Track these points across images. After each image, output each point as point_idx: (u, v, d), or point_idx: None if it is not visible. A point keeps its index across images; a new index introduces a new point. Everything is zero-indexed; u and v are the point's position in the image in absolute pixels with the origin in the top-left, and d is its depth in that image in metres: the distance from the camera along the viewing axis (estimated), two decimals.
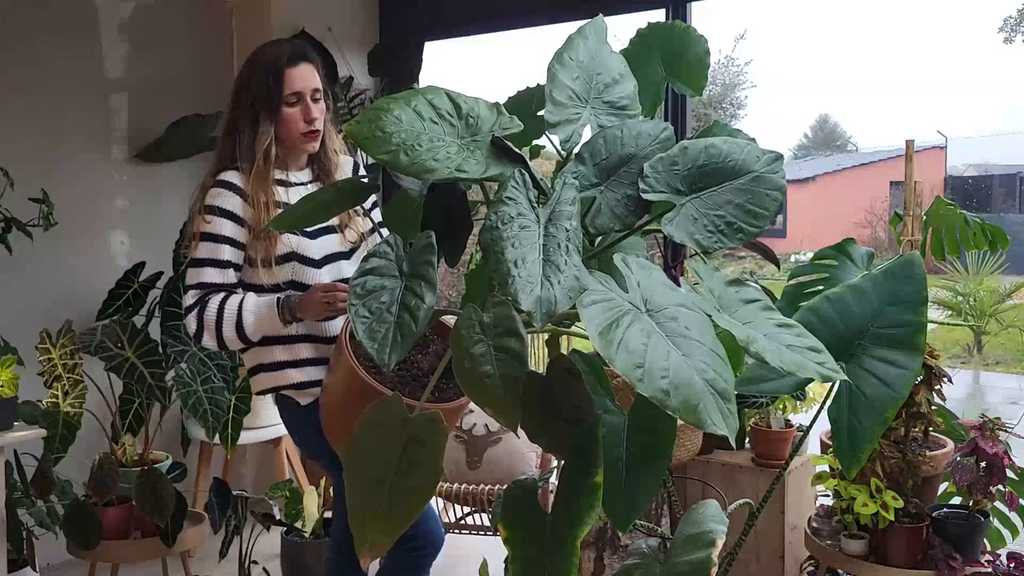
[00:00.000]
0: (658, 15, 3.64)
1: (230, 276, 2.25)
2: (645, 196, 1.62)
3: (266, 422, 3.78)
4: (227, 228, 2.23)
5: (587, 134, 1.74)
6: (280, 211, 2.22)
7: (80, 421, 3.12)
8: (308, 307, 2.19)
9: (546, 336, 1.71)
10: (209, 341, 2.23)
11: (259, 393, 2.36)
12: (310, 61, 2.31)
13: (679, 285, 1.53)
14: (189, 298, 2.24)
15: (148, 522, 3.10)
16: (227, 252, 2.24)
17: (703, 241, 1.60)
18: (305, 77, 2.28)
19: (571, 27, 1.87)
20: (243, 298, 2.22)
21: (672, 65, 2.75)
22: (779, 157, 1.70)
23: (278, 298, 2.21)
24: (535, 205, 1.48)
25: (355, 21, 4.41)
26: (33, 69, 3.71)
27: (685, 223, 1.61)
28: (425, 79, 4.30)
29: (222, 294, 2.23)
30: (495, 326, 1.43)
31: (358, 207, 2.29)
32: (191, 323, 2.24)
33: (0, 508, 2.70)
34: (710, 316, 1.46)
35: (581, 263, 1.41)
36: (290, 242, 2.26)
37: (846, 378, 1.60)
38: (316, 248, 2.29)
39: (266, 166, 2.26)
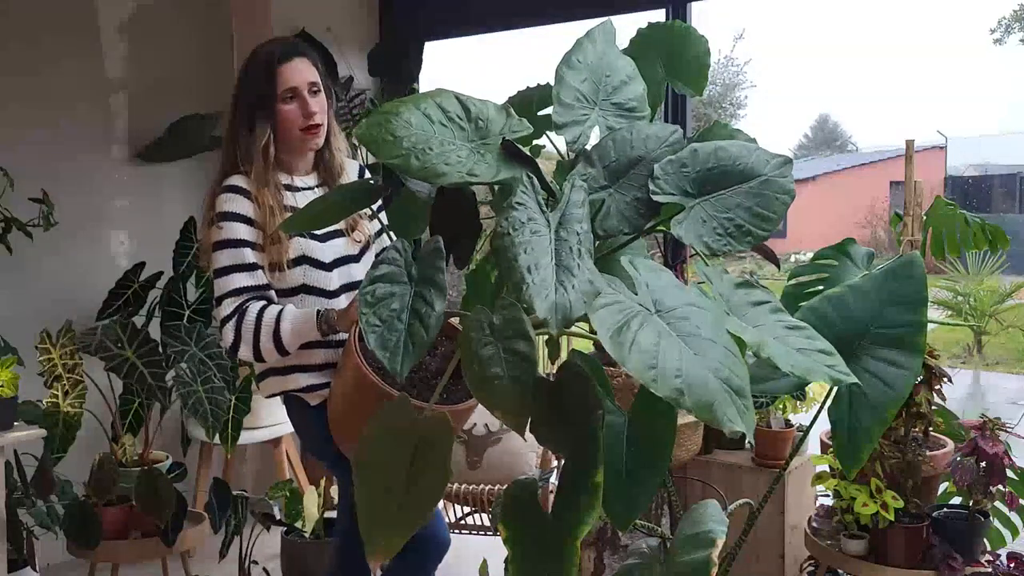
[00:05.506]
0: (658, 15, 3.64)
1: (260, 277, 2.19)
2: (655, 198, 1.62)
3: (266, 422, 3.77)
4: (243, 231, 2.19)
5: (595, 136, 1.74)
6: (288, 215, 2.18)
7: (80, 421, 3.12)
8: (346, 320, 2.12)
9: (545, 336, 1.71)
10: (246, 352, 2.15)
11: (268, 396, 2.35)
12: (304, 55, 2.28)
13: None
14: (225, 308, 2.16)
15: (148, 522, 3.10)
16: (249, 255, 2.19)
17: (712, 243, 1.61)
18: (299, 72, 2.24)
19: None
20: (282, 308, 2.16)
21: (672, 65, 2.75)
22: (788, 161, 1.71)
23: (318, 311, 2.14)
24: (544, 209, 1.47)
25: (355, 21, 4.41)
26: (33, 69, 3.71)
27: (694, 225, 1.62)
28: (425, 79, 4.31)
29: (261, 303, 2.16)
30: (504, 328, 1.43)
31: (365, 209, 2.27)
32: (228, 334, 2.15)
33: (0, 508, 2.69)
34: None
35: (594, 267, 1.41)
36: (300, 245, 2.23)
37: (856, 381, 1.60)
38: (326, 251, 2.26)
39: (266, 166, 2.24)
